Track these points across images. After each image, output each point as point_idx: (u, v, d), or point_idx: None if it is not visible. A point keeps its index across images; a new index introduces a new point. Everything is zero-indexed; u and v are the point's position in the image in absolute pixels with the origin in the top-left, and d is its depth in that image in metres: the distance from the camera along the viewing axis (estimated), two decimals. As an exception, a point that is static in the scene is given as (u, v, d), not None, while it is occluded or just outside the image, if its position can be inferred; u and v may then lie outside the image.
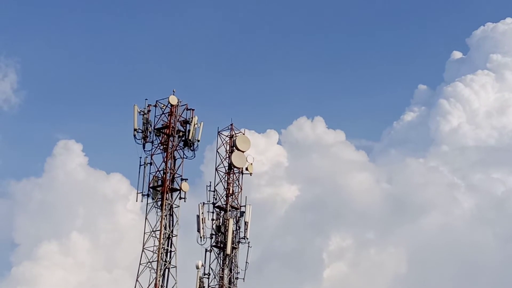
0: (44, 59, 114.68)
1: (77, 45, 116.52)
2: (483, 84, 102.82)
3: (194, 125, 46.11)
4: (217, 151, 47.54)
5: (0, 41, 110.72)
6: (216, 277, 45.76)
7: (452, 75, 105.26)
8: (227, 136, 47.84)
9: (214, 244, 45.99)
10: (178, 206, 45.10)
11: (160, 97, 46.11)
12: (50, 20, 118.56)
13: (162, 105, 45.98)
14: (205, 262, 45.58)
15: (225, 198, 46.80)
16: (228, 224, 45.95)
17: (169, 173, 45.00)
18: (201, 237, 45.66)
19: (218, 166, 47.30)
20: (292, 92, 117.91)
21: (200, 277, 45.15)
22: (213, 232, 46.10)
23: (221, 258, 45.97)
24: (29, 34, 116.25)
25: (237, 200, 47.06)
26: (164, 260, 44.07)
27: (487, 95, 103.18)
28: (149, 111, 45.84)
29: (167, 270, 44.11)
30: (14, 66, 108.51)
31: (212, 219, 46.19)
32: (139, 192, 44.95)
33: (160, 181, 45.02)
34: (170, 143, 45.51)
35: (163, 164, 45.21)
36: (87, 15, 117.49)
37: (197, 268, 45.06)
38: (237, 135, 47.83)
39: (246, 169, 47.61)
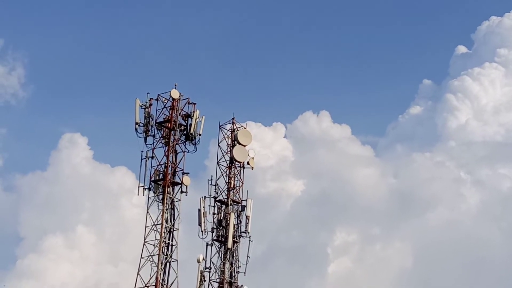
0: (51, 53, 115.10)
1: (82, 40, 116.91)
2: (490, 77, 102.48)
3: (195, 119, 46.12)
4: (218, 145, 47.62)
5: (8, 35, 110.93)
6: (217, 271, 45.80)
7: (457, 69, 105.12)
8: (228, 130, 47.87)
9: (215, 238, 46.00)
10: (180, 200, 45.15)
11: (162, 90, 46.25)
12: (56, 15, 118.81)
13: (164, 99, 46.02)
14: (206, 256, 45.64)
15: (226, 192, 46.82)
16: (229, 218, 45.96)
17: (170, 167, 45.03)
18: (202, 231, 45.74)
19: (219, 160, 47.36)
20: (297, 86, 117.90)
21: (201, 271, 45.16)
22: (214, 226, 46.11)
23: (222, 252, 45.99)
24: (36, 29, 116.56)
25: (239, 194, 47.10)
26: (165, 254, 44.11)
27: (494, 90, 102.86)
28: (150, 105, 45.88)
29: (168, 263, 44.15)
30: (22, 60, 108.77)
31: (214, 213, 46.22)
32: (140, 186, 45.05)
33: (161, 175, 45.06)
34: (171, 137, 45.53)
35: (165, 158, 45.26)
36: (92, 10, 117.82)
37: (198, 262, 45.08)
38: (238, 129, 47.85)
39: (248, 163, 47.63)
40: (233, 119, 48.04)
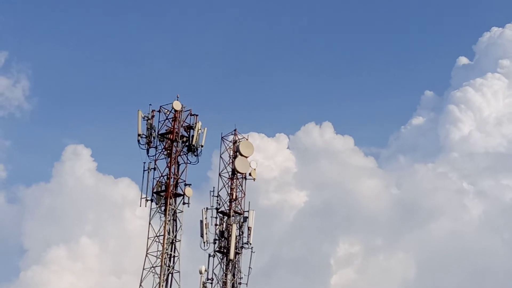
0: (55, 65, 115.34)
1: (86, 51, 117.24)
2: (492, 88, 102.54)
3: (197, 131, 46.31)
4: (220, 156, 47.78)
5: (12, 48, 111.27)
6: (219, 282, 45.88)
7: (459, 80, 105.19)
8: (230, 141, 48.07)
9: (217, 249, 46.09)
10: (182, 211, 45.25)
11: (165, 102, 46.41)
12: (59, 27, 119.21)
13: (166, 110, 46.20)
14: (208, 267, 45.74)
15: (228, 204, 46.97)
16: (231, 229, 46.09)
17: (172, 178, 45.17)
18: (204, 242, 45.86)
19: (221, 171, 47.52)
20: (300, 97, 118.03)
21: (203, 282, 45.25)
22: (217, 237, 46.22)
23: (224, 263, 46.09)
24: (39, 40, 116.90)
25: (241, 206, 47.24)
26: (167, 265, 44.21)
27: (497, 101, 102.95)
28: (153, 116, 46.01)
29: (170, 275, 44.22)
30: (26, 72, 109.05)
31: (216, 224, 46.32)
32: (143, 197, 45.19)
33: (163, 186, 45.20)
34: (173, 148, 45.68)
35: (167, 169, 45.42)
36: (95, 22, 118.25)
37: (200, 273, 45.14)
38: (240, 140, 48.04)
39: (250, 174, 47.80)
40: (235, 130, 48.30)
